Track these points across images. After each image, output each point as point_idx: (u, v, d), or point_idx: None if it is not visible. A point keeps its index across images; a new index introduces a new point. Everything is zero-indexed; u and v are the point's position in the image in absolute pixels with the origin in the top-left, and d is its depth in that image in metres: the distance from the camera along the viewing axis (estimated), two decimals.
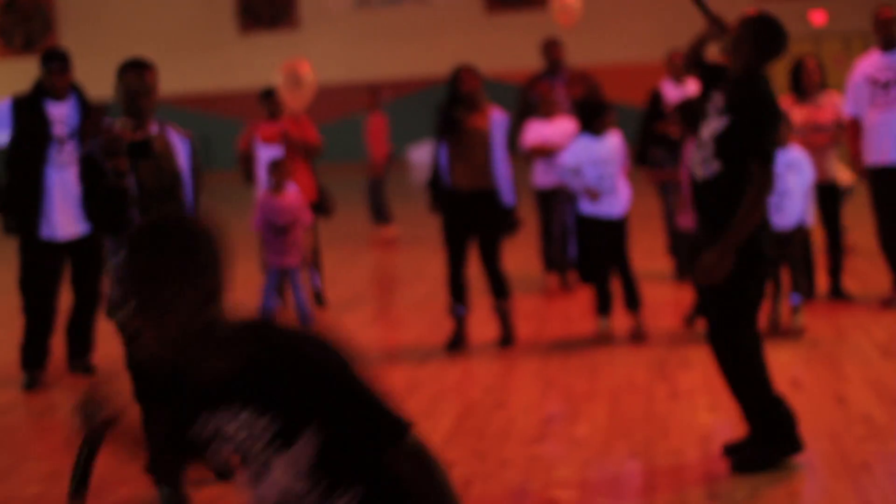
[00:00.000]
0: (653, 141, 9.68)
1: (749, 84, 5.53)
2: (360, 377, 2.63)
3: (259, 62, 23.46)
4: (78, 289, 8.20)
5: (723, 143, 5.48)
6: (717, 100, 5.58)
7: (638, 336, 8.35)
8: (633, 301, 8.42)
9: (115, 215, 5.42)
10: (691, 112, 7.79)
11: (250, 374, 2.61)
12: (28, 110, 7.90)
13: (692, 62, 5.83)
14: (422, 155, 21.00)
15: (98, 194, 5.41)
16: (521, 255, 10.83)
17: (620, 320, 8.60)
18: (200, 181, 5.73)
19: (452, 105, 8.27)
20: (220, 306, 2.64)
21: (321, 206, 9.57)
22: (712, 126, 5.54)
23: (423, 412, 7.00)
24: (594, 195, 8.28)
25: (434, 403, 7.17)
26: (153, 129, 5.59)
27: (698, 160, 5.61)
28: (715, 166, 5.51)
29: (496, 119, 8.26)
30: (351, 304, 10.13)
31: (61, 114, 7.91)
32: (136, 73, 5.52)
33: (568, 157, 8.46)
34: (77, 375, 8.31)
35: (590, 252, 8.48)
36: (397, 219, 15.01)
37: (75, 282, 8.18)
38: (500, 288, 8.39)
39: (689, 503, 5.34)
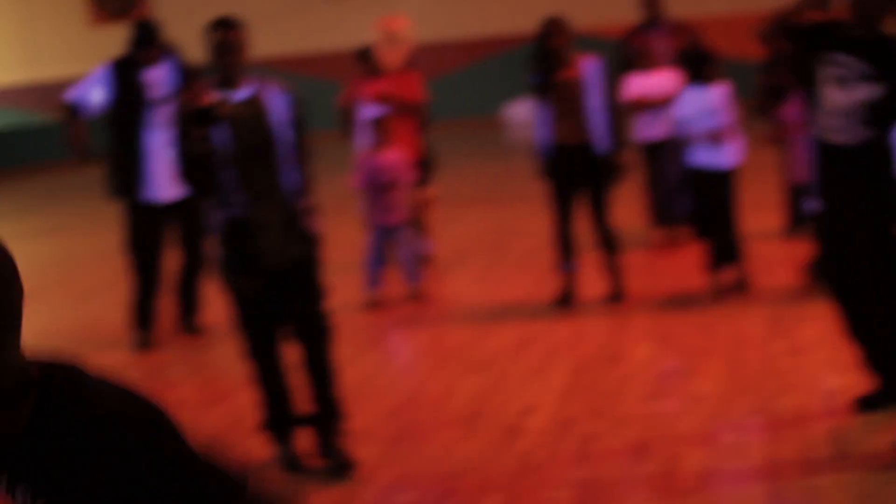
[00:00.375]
0: (772, 92, 9.38)
1: (892, 45, 5.30)
2: (180, 456, 1.94)
3: (351, 22, 23.43)
4: (184, 250, 8.22)
5: (881, 110, 5.27)
6: (853, 65, 5.32)
7: (741, 287, 8.17)
8: (734, 253, 8.21)
9: (202, 178, 5.42)
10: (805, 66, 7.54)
11: (28, 442, 1.90)
12: (124, 75, 7.92)
13: (785, 32, 5.60)
14: (519, 113, 20.86)
15: (185, 158, 5.42)
16: (627, 210, 10.65)
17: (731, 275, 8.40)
18: (304, 134, 5.61)
19: (541, 61, 8.15)
20: (11, 349, 1.88)
21: (425, 165, 9.47)
22: (857, 93, 5.29)
23: (535, 369, 6.90)
24: (718, 138, 8.07)
25: (547, 360, 7.06)
26: (247, 87, 5.50)
27: (835, 127, 5.38)
28: (861, 133, 5.31)
29: (588, 68, 8.11)
30: (456, 263, 10.04)
31: (156, 77, 7.92)
32: (222, 31, 5.45)
33: (681, 109, 8.27)
34: (185, 335, 8.34)
35: (702, 205, 8.28)
36: (490, 177, 14.90)
37: (181, 243, 8.19)
38: (609, 243, 8.24)
39: (818, 461, 5.18)
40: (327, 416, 5.61)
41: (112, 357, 8.03)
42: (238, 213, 5.45)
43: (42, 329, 9.07)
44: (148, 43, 7.92)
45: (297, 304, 5.49)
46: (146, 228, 8.02)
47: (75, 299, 10.20)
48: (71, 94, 8.02)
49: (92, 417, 1.86)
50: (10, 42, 23.16)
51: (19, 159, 21.24)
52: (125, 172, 7.96)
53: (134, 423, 1.88)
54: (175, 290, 8.31)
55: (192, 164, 5.42)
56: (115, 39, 9.19)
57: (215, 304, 8.10)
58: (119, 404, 1.90)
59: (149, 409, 1.93)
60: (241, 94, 5.45)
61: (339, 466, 5.56)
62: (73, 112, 7.99)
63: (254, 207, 5.45)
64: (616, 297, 8.27)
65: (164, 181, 7.90)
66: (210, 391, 7.21)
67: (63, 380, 1.91)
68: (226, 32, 5.44)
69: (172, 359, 8.03)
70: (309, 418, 5.65)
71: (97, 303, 9.89)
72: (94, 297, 10.20)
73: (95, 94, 7.96)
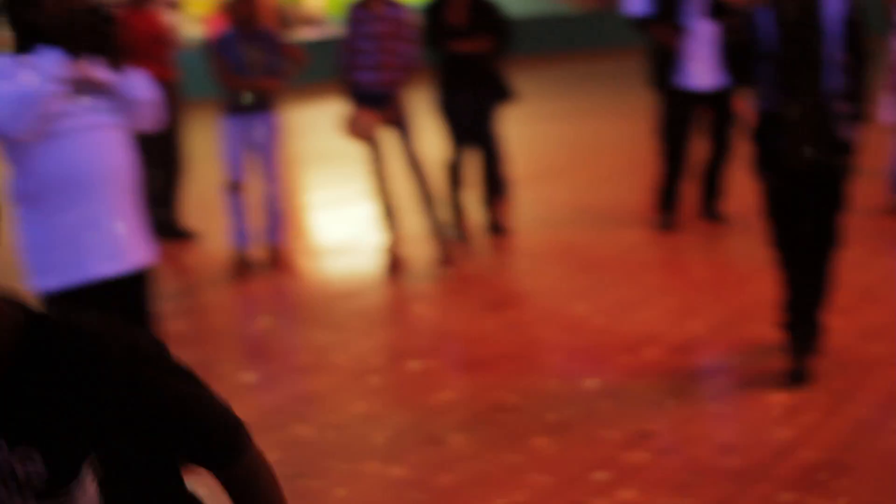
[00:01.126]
0: None
1: None
2: (183, 390, 1.84)
3: None
4: (713, 138, 8.49)
5: None
6: None
7: None
8: None
9: (738, 67, 5.55)
10: None
11: (8, 389, 1.68)
12: None
13: None
14: None
15: (725, 47, 5.56)
16: None
17: None
18: (860, 35, 5.35)
19: None
20: None
21: None
22: None
23: None
24: None
25: None
26: None
27: None
28: None
29: None
30: None
31: None
32: None
33: None
34: (706, 221, 8.65)
35: None
36: None
37: (711, 131, 8.47)
38: None
39: None
40: (809, 327, 5.65)
41: (633, 235, 8.50)
42: (770, 106, 5.51)
43: (566, 205, 9.68)
44: None
45: (814, 209, 5.51)
46: (679, 115, 8.36)
47: (600, 179, 10.77)
48: (631, 8, 8.41)
49: (74, 354, 1.69)
50: None
51: (548, 46, 22.20)
52: (664, 61, 8.30)
53: (121, 357, 1.71)
54: (700, 176, 8.63)
55: (730, 52, 5.61)
56: None
57: (739, 193, 8.36)
58: (103, 340, 1.72)
59: (139, 343, 1.78)
60: None
61: (796, 374, 5.59)
62: (644, 22, 8.35)
63: (787, 103, 5.41)
64: None
65: (700, 70, 8.17)
66: (726, 275, 7.51)
67: (45, 323, 1.71)
68: None
69: (691, 242, 8.39)
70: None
71: (621, 183, 10.40)
72: (618, 177, 10.73)
73: (642, 2, 8.33)
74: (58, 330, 1.70)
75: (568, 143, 12.87)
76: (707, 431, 5.05)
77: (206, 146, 10.77)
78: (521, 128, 12.66)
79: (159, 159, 8.56)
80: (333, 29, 21.30)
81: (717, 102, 8.29)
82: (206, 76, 8.28)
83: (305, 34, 20.30)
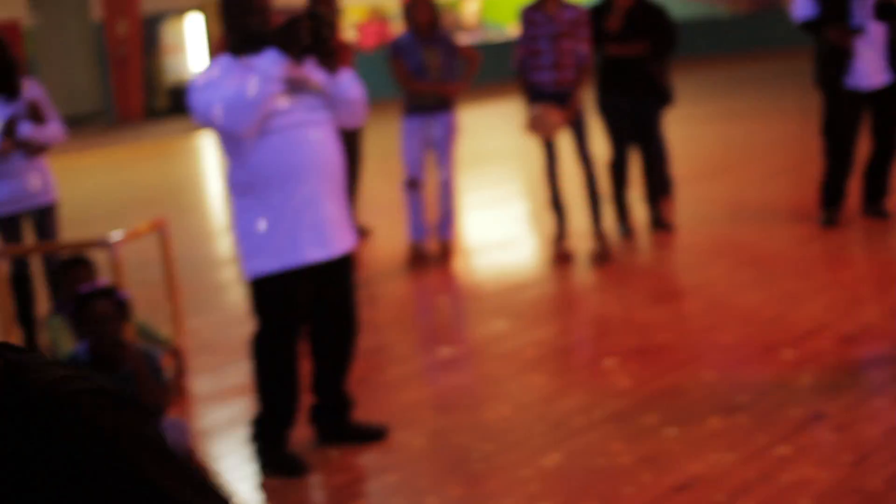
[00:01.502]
0: None
1: None
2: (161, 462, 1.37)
3: None
4: (877, 136, 8.60)
5: None
6: None
7: None
8: None
9: None
10: None
11: None
12: None
13: None
14: None
15: (892, 46, 5.73)
16: None
17: None
18: None
19: None
20: None
21: None
22: None
23: None
24: None
25: None
26: None
27: None
28: None
29: None
30: None
31: None
32: None
33: None
34: (870, 218, 8.75)
35: None
36: None
37: (875, 129, 8.58)
38: None
39: None
40: None
41: (796, 231, 8.66)
42: None
43: (729, 202, 9.88)
44: None
45: None
46: (848, 114, 8.47)
47: (762, 177, 10.93)
48: (800, 11, 8.50)
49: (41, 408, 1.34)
50: None
51: (705, 48, 22.30)
52: (833, 62, 8.42)
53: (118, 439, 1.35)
54: (864, 173, 8.74)
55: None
56: None
57: None
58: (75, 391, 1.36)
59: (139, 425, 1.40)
60: None
61: None
62: (816, 25, 8.46)
63: None
64: None
65: (869, 69, 8.30)
66: (892, 269, 7.65)
67: (24, 377, 1.36)
68: None
69: (855, 238, 8.53)
70: None
71: (782, 181, 10.56)
72: (779, 176, 10.88)
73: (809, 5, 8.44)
74: (40, 386, 1.35)
75: (728, 143, 13.03)
76: (879, 414, 5.25)
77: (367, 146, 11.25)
78: (682, 128, 12.87)
79: None
80: (488, 34, 21.70)
81: (883, 100, 8.40)
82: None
83: (462, 40, 20.77)
